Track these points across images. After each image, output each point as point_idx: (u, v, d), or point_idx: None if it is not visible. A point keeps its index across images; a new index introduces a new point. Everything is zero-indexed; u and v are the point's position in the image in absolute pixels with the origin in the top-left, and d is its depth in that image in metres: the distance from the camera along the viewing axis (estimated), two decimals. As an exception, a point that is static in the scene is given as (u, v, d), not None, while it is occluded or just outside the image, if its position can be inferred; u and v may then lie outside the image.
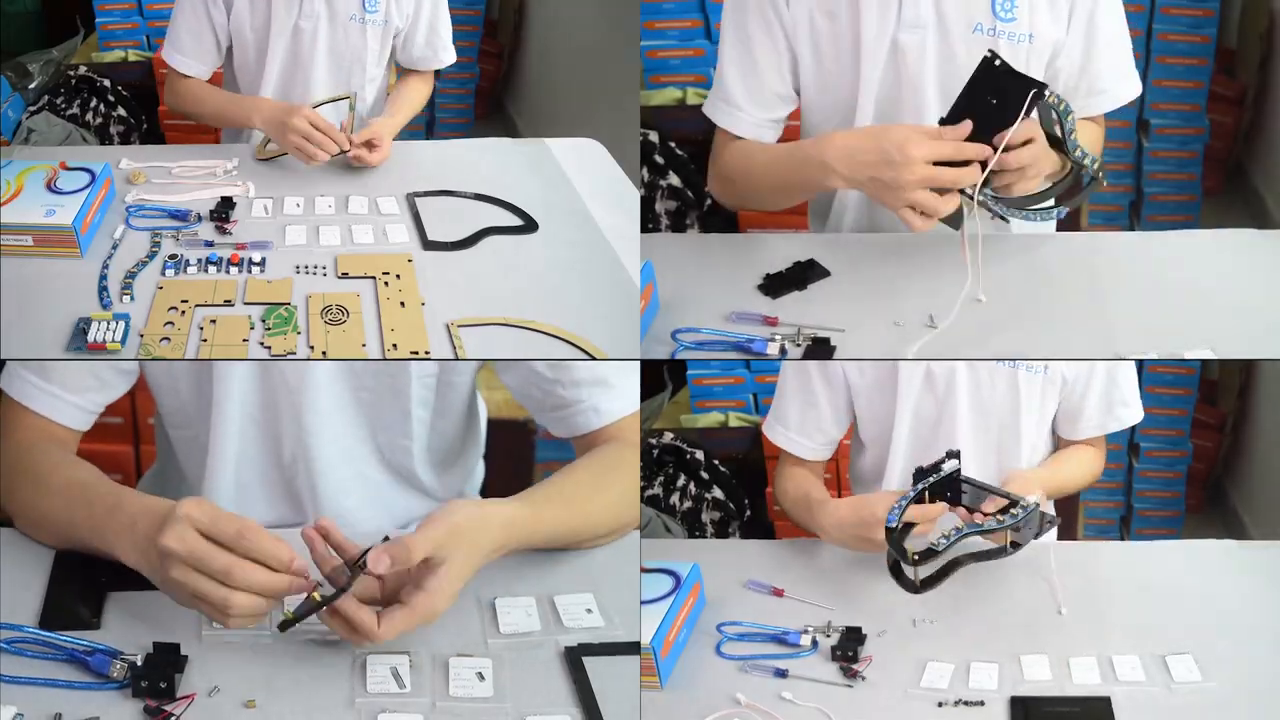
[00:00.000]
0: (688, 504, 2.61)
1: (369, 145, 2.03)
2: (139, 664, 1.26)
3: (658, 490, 2.61)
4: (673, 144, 2.77)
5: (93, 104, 3.13)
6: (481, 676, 1.30)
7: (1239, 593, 1.60)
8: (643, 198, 2.71)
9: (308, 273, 1.73)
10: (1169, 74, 2.81)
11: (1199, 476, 2.80)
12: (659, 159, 2.77)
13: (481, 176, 2.03)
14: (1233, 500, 2.79)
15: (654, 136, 2.76)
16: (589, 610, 1.42)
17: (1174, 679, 1.44)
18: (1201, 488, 2.82)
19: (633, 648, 1.38)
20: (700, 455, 2.63)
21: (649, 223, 2.74)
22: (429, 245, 1.82)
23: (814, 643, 1.53)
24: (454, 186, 2.00)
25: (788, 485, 1.84)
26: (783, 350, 1.61)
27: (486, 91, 3.44)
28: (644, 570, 1.56)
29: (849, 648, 1.51)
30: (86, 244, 1.73)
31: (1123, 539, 2.79)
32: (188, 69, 2.22)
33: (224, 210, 1.86)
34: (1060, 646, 1.49)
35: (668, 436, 2.65)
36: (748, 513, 2.65)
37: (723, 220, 2.74)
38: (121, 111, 3.15)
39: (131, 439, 2.63)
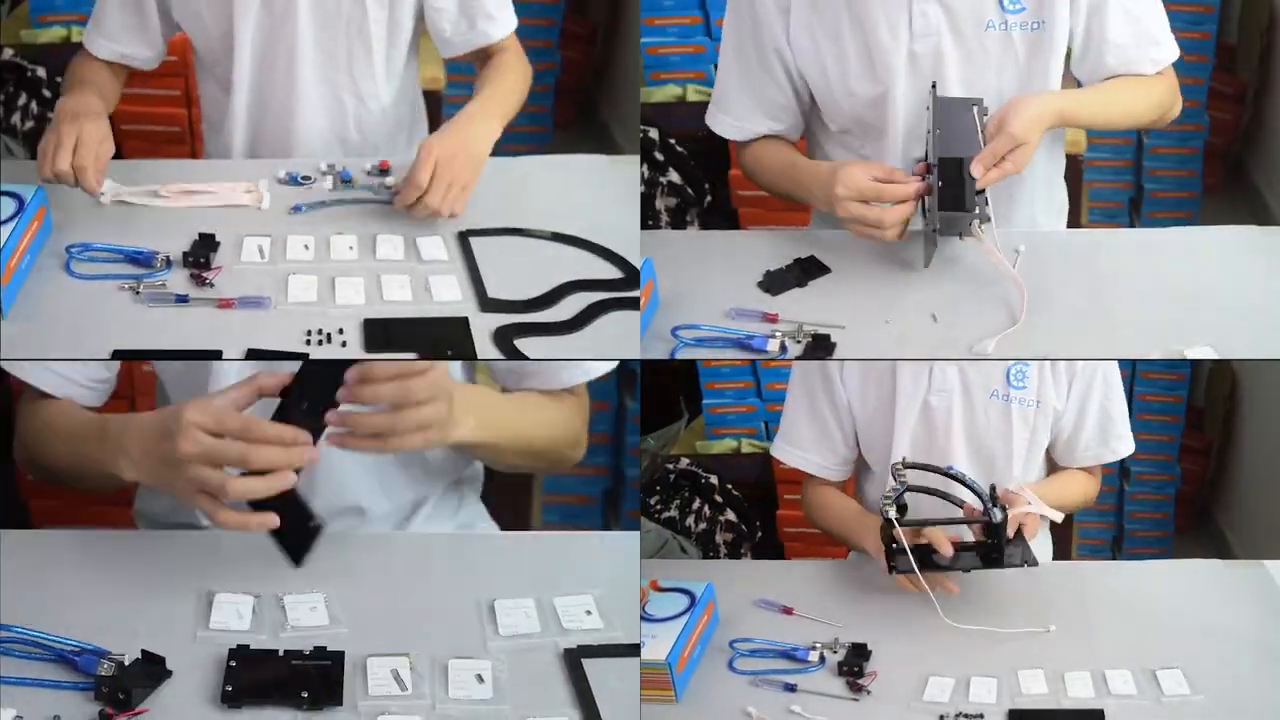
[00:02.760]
0: (702, 526, 2.72)
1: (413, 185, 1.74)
2: (125, 665, 1.35)
3: (674, 513, 2.72)
4: (673, 140, 2.81)
5: (21, 101, 2.51)
6: (481, 678, 1.38)
7: (1225, 609, 1.75)
8: (642, 194, 2.75)
9: (320, 342, 1.55)
10: (1170, 70, 2.94)
11: (1187, 499, 2.94)
12: (659, 155, 2.81)
13: (564, 208, 1.82)
14: (1219, 521, 2.95)
15: (654, 133, 2.80)
16: (589, 612, 1.51)
17: (1164, 692, 1.58)
18: (1189, 510, 2.96)
19: (633, 650, 1.46)
20: (714, 480, 2.74)
21: (649, 219, 2.78)
22: (488, 305, 1.61)
23: (821, 658, 1.68)
24: (524, 222, 1.76)
25: (819, 498, 1.99)
26: (783, 347, 1.70)
27: (572, 89, 3.02)
28: (661, 589, 1.71)
29: (855, 663, 1.65)
30: (9, 302, 1.54)
31: (1114, 558, 2.91)
32: (110, 55, 1.95)
33: (202, 252, 1.62)
34: (1055, 661, 1.64)
35: (684, 462, 2.76)
36: (759, 534, 2.77)
37: (723, 217, 2.82)
38: None
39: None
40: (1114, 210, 2.97)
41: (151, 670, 1.36)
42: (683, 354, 1.72)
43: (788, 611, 1.78)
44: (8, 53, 2.51)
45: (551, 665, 1.43)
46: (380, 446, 1.49)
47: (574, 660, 1.42)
